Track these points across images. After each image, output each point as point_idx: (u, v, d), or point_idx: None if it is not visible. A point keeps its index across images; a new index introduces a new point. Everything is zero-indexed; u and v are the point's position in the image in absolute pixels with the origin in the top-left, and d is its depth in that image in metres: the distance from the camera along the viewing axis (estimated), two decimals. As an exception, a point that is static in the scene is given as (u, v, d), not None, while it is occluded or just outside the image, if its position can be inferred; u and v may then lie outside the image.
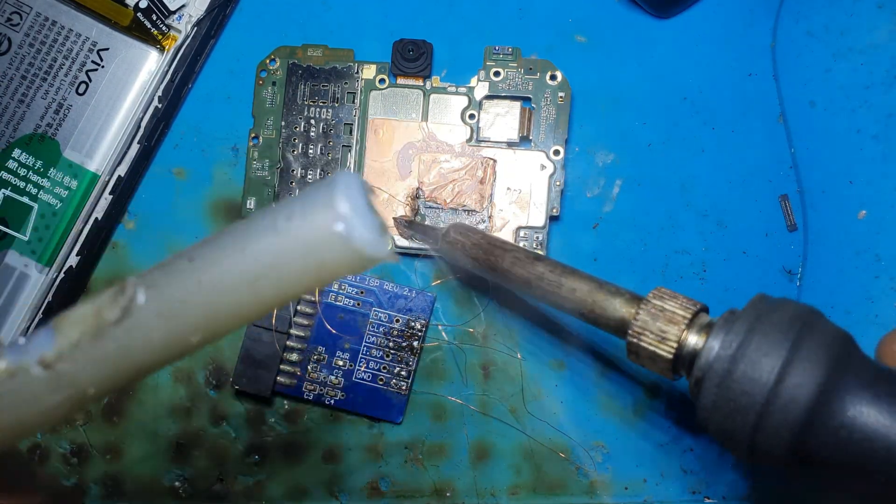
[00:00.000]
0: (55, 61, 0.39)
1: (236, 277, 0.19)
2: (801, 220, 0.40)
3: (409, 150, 0.40)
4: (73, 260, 0.39)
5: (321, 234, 0.19)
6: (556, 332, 0.40)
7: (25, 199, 0.39)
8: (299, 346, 0.39)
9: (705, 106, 0.40)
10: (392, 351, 0.39)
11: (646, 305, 0.29)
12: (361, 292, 0.40)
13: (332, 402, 0.39)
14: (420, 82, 0.40)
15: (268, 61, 0.40)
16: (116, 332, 0.20)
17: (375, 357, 0.39)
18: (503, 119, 0.39)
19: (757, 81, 0.40)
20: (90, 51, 0.39)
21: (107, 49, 0.39)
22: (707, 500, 0.40)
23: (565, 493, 0.40)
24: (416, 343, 0.39)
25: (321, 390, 0.39)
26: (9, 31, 0.39)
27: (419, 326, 0.39)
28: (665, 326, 0.29)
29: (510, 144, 0.39)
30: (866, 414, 0.24)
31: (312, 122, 0.40)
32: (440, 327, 0.40)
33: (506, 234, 0.39)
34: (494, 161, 0.39)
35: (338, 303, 0.40)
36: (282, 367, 0.39)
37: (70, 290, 0.40)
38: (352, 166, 0.40)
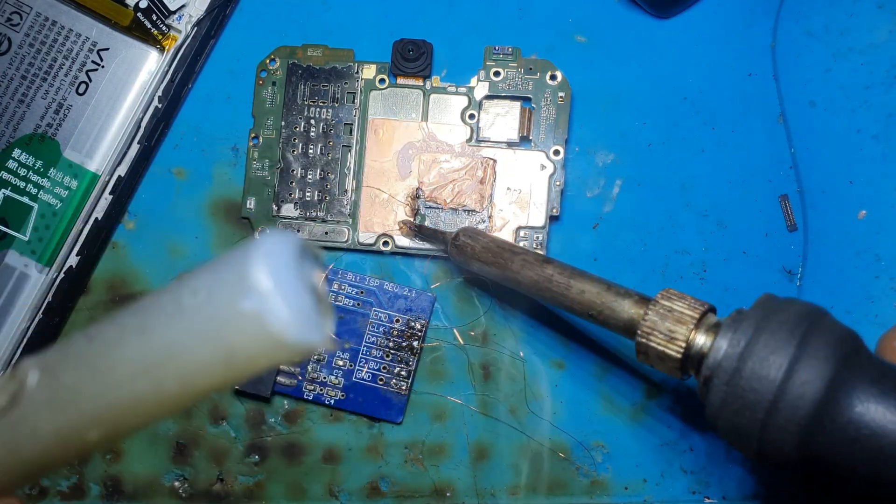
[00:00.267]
0: (55, 61, 0.39)
1: (134, 364, 0.16)
2: (801, 220, 0.40)
3: (409, 150, 0.40)
4: (73, 260, 0.39)
5: (226, 314, 0.15)
6: (556, 332, 0.40)
7: (25, 199, 0.39)
8: (299, 346, 0.39)
9: (705, 106, 0.40)
10: (392, 351, 0.39)
11: (654, 306, 0.30)
12: (361, 292, 0.40)
13: (332, 402, 0.39)
14: (420, 82, 0.40)
15: (268, 61, 0.40)
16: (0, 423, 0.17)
17: (375, 357, 0.39)
18: (503, 119, 0.39)
19: (757, 81, 0.40)
20: (90, 51, 0.39)
21: (107, 49, 0.39)
22: (707, 500, 0.40)
23: (565, 493, 0.40)
24: (416, 343, 0.39)
25: (321, 390, 0.39)
26: (9, 31, 0.39)
27: (419, 326, 0.39)
28: (673, 326, 0.29)
29: (510, 144, 0.39)
30: (874, 410, 0.24)
31: (312, 122, 0.40)
32: (441, 327, 0.40)
33: (506, 234, 0.39)
34: (494, 161, 0.39)
35: (338, 303, 0.40)
36: (282, 367, 0.39)
37: (70, 290, 0.40)
38: (352, 166, 0.40)
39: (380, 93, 0.40)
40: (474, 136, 0.39)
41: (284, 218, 0.40)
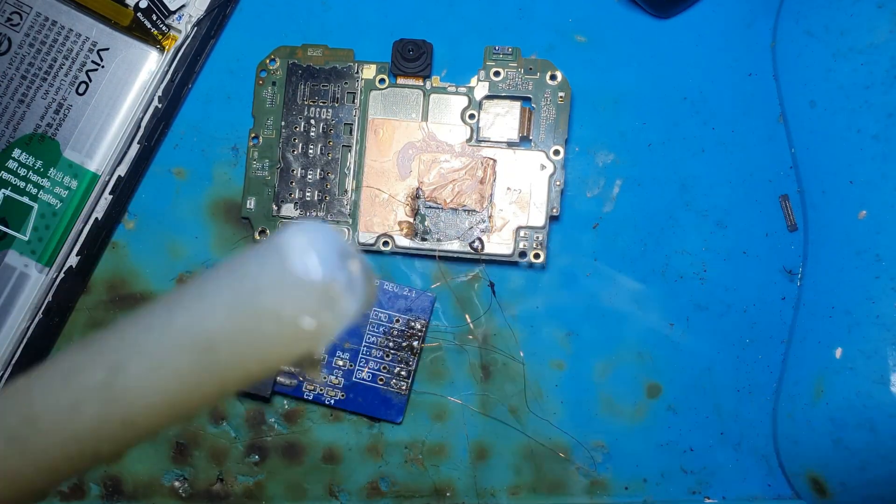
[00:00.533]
0: (55, 61, 0.39)
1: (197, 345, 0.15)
2: (801, 220, 0.40)
3: (409, 150, 0.40)
4: (73, 260, 0.39)
5: (274, 284, 0.15)
6: (556, 332, 0.40)
7: (25, 199, 0.39)
8: (299, 346, 0.39)
9: (705, 106, 0.40)
10: (392, 351, 0.39)
11: None
12: (361, 292, 0.39)
13: (332, 402, 0.39)
14: (420, 82, 0.40)
15: (268, 61, 0.40)
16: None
17: (375, 357, 0.39)
18: (503, 119, 0.39)
19: (757, 81, 0.40)
20: (90, 51, 0.39)
21: (107, 49, 0.39)
22: (707, 500, 0.40)
23: (565, 493, 0.40)
24: (416, 343, 0.39)
25: (321, 390, 0.39)
26: (9, 31, 0.39)
27: (419, 326, 0.39)
28: None
29: (510, 144, 0.39)
30: None
31: (312, 122, 0.40)
32: (440, 327, 0.40)
33: (506, 234, 0.39)
34: (494, 161, 0.39)
35: (338, 303, 0.40)
36: (282, 367, 0.39)
37: (70, 290, 0.40)
38: (352, 166, 0.40)
39: (380, 93, 0.40)
40: (474, 136, 0.39)
41: (284, 218, 0.40)
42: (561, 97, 0.39)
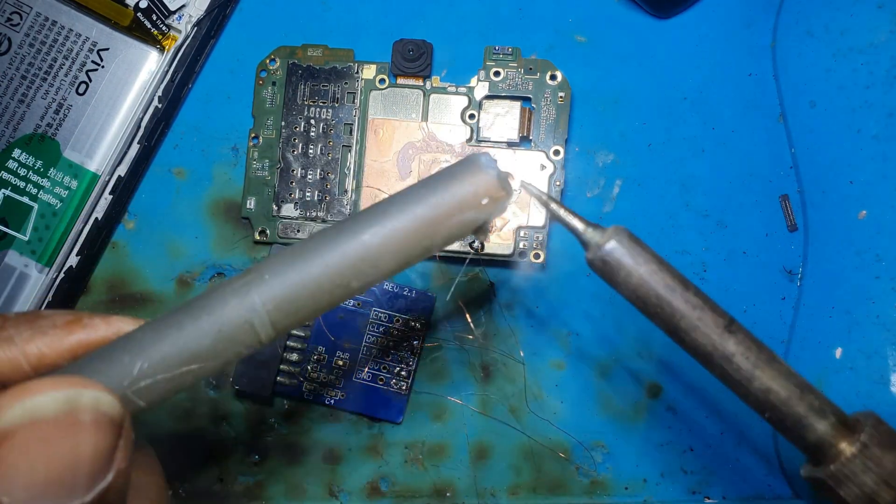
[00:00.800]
0: (55, 61, 0.39)
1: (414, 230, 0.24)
2: (801, 220, 0.40)
3: (409, 150, 0.40)
4: (73, 260, 0.39)
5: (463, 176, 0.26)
6: (556, 332, 0.40)
7: (25, 199, 0.39)
8: (299, 346, 0.39)
9: (705, 106, 0.40)
10: (392, 351, 0.39)
11: (860, 450, 0.24)
12: (361, 292, 0.40)
13: (332, 402, 0.39)
14: (420, 82, 0.40)
15: (268, 61, 0.40)
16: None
17: (375, 357, 0.39)
18: (503, 119, 0.39)
19: (757, 81, 0.40)
20: (90, 51, 0.39)
21: (107, 49, 0.39)
22: (707, 500, 0.40)
23: (565, 493, 0.40)
24: (416, 343, 0.39)
25: (321, 390, 0.39)
26: (9, 31, 0.39)
27: (419, 326, 0.39)
28: (878, 487, 0.24)
29: (510, 144, 0.39)
30: None
31: (312, 122, 0.40)
32: (440, 327, 0.40)
33: (506, 234, 0.39)
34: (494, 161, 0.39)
35: (338, 303, 0.40)
36: (282, 367, 0.39)
37: (70, 290, 0.40)
38: (352, 166, 0.40)
39: (380, 93, 0.40)
40: (474, 136, 0.39)
41: (284, 218, 0.40)
42: (561, 97, 0.39)
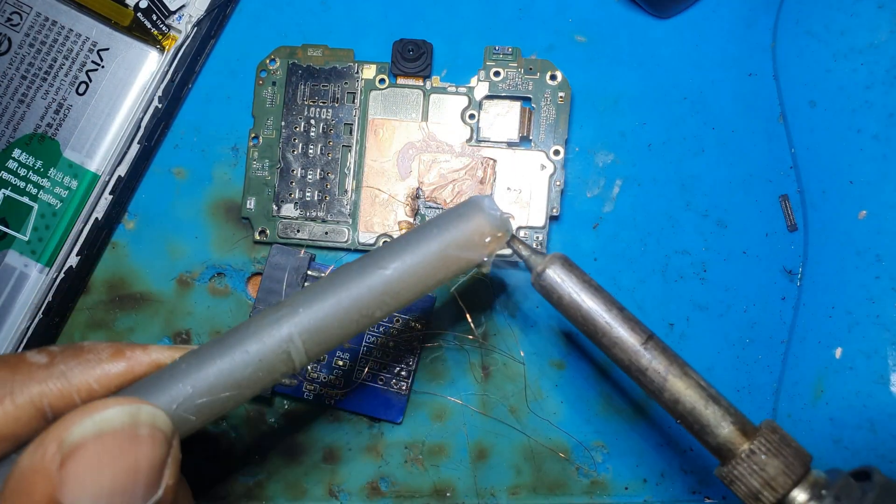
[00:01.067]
0: (55, 61, 0.39)
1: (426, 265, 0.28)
2: (801, 220, 0.40)
3: (409, 150, 0.40)
4: (73, 260, 0.39)
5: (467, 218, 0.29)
6: (556, 332, 0.40)
7: (25, 199, 0.39)
8: (299, 346, 0.39)
9: (705, 106, 0.40)
10: (392, 351, 0.39)
11: (756, 447, 0.28)
12: (361, 292, 0.39)
13: (332, 402, 0.39)
14: (420, 82, 0.40)
15: (268, 61, 0.40)
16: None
17: (375, 357, 0.39)
18: (503, 119, 0.39)
19: (757, 81, 0.40)
20: (90, 51, 0.39)
21: (107, 49, 0.39)
22: (707, 500, 0.40)
23: (565, 493, 0.40)
24: (415, 343, 0.39)
25: (321, 390, 0.39)
26: (9, 31, 0.39)
27: (419, 326, 0.39)
28: (772, 477, 0.27)
29: (510, 144, 0.39)
30: None
31: (312, 122, 0.40)
32: (440, 328, 0.40)
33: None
34: (494, 161, 0.39)
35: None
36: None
37: (70, 290, 0.40)
38: (352, 166, 0.40)
39: (380, 93, 0.40)
40: (474, 136, 0.39)
41: (284, 218, 0.40)
42: (561, 97, 0.39)
